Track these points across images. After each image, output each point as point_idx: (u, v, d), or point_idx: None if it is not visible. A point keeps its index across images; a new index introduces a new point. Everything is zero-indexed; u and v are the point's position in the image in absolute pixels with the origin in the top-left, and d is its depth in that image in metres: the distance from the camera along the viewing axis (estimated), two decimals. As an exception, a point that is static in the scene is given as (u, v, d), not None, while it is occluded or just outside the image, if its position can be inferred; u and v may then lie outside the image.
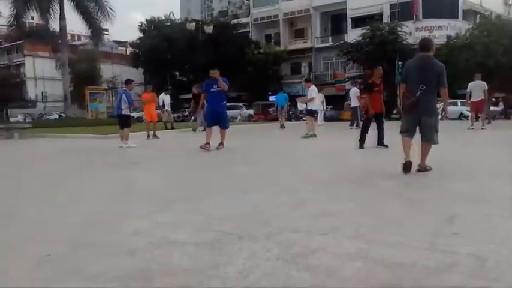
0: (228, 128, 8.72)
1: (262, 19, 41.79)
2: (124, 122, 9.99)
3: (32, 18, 40.28)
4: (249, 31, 42.20)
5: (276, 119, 20.20)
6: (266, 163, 6.80)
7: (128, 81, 10.41)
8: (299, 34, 41.15)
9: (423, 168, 4.87)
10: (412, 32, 30.50)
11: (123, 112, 9.96)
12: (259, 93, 33.92)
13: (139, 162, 7.25)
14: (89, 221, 3.22)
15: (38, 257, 2.37)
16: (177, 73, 42.28)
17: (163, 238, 2.70)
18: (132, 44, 46.63)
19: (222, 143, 8.43)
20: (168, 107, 15.79)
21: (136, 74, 48.48)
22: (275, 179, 5.03)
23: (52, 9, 22.79)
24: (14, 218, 3.43)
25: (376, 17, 32.08)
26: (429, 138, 4.81)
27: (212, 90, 8.32)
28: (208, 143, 8.08)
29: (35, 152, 10.43)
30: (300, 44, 40.45)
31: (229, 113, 12.86)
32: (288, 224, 2.95)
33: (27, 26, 41.86)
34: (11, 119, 32.52)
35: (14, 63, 50.62)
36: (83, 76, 39.98)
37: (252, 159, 7.26)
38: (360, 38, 30.03)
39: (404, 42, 28.73)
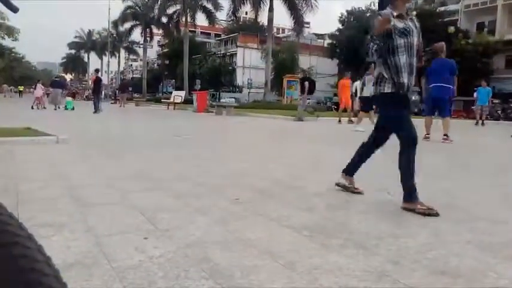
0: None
1: (476, 5, 36.81)
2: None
3: (246, 13, 45.34)
4: (458, 19, 37.84)
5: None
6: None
7: None
8: (522, 21, 34.74)
9: None
10: None
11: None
12: (463, 88, 30.22)
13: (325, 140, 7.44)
14: (276, 179, 3.49)
15: (232, 199, 2.71)
16: (372, 65, 41.33)
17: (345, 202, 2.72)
18: (330, 36, 47.68)
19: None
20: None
21: (330, 65, 49.55)
22: None
23: (262, 2, 25.16)
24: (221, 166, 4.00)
25: None
26: None
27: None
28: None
29: (235, 123, 11.85)
30: (522, 33, 34.16)
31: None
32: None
33: (241, 20, 47.44)
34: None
35: (229, 53, 57.95)
36: (282, 66, 42.96)
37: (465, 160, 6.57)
38: None
39: None
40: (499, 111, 27.38)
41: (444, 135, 7.60)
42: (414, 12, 26.90)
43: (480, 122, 16.48)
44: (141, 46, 48.54)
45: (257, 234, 2.01)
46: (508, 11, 35.79)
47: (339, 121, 13.09)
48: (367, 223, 2.28)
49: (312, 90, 14.04)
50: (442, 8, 37.18)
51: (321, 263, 1.67)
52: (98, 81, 16.37)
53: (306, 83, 13.72)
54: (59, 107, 16.22)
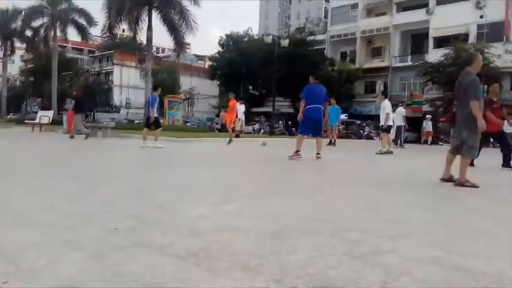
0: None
1: (339, 36, 41.53)
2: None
3: (123, 30, 43.68)
4: (325, 48, 42.12)
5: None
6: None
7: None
8: (376, 52, 40.26)
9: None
10: (501, 54, 28.47)
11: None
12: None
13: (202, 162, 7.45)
14: (157, 203, 3.34)
15: (109, 229, 2.50)
16: (250, 87, 43.26)
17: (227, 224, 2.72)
18: (211, 58, 48.70)
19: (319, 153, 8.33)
20: (241, 116, 16.17)
21: (211, 86, 50.42)
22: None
23: (141, 20, 24.51)
24: (92, 193, 3.67)
25: (462, 38, 30.40)
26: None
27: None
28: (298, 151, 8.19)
29: (111, 145, 11.19)
30: (376, 63, 39.51)
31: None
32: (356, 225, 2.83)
33: (118, 37, 45.53)
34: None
35: (104, 71, 54.98)
36: (162, 86, 42.30)
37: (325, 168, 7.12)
38: (443, 59, 28.56)
39: (492, 65, 26.41)
40: (362, 131, 30.74)
41: (317, 153, 8.25)
42: (287, 40, 29.13)
43: (332, 141, 15.46)
44: (0, 61, 43.13)
45: (139, 266, 1.87)
46: (366, 43, 41.11)
47: (229, 141, 13.39)
48: (250, 243, 2.31)
49: (79, 107, 14.02)
50: (312, 37, 40.94)
51: (207, 290, 1.62)
52: None
53: (73, 102, 13.94)
54: None
